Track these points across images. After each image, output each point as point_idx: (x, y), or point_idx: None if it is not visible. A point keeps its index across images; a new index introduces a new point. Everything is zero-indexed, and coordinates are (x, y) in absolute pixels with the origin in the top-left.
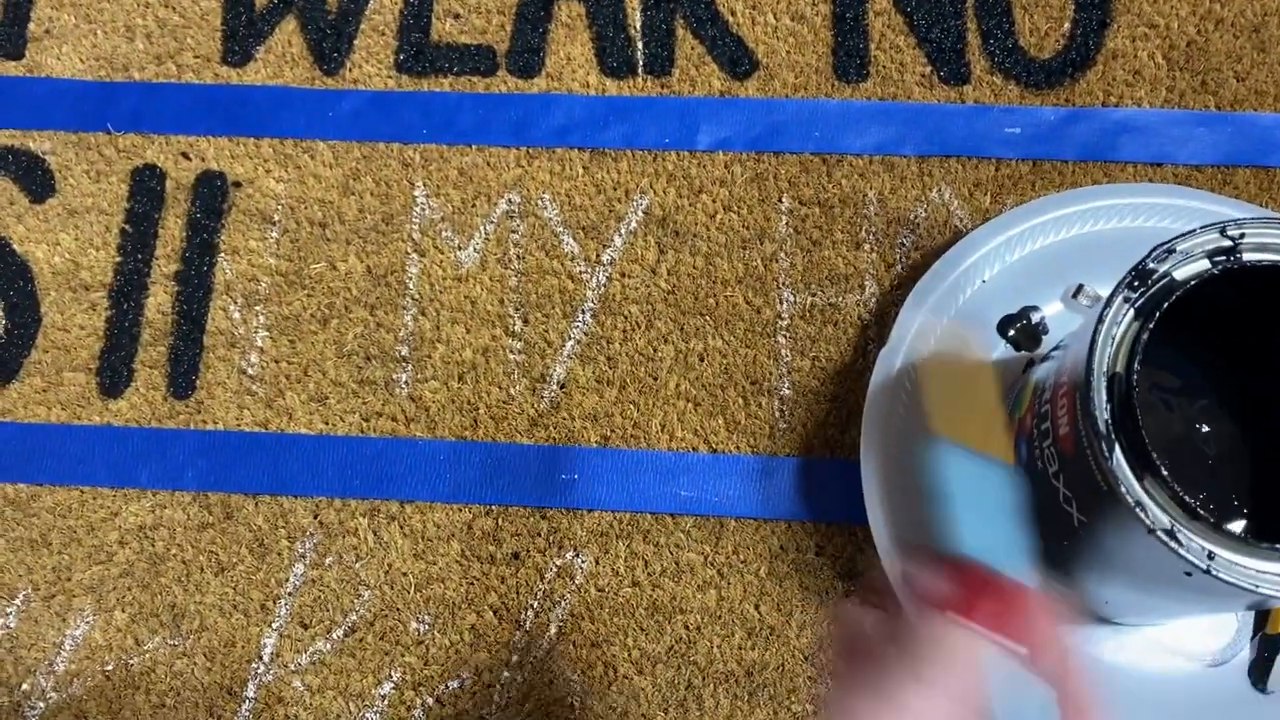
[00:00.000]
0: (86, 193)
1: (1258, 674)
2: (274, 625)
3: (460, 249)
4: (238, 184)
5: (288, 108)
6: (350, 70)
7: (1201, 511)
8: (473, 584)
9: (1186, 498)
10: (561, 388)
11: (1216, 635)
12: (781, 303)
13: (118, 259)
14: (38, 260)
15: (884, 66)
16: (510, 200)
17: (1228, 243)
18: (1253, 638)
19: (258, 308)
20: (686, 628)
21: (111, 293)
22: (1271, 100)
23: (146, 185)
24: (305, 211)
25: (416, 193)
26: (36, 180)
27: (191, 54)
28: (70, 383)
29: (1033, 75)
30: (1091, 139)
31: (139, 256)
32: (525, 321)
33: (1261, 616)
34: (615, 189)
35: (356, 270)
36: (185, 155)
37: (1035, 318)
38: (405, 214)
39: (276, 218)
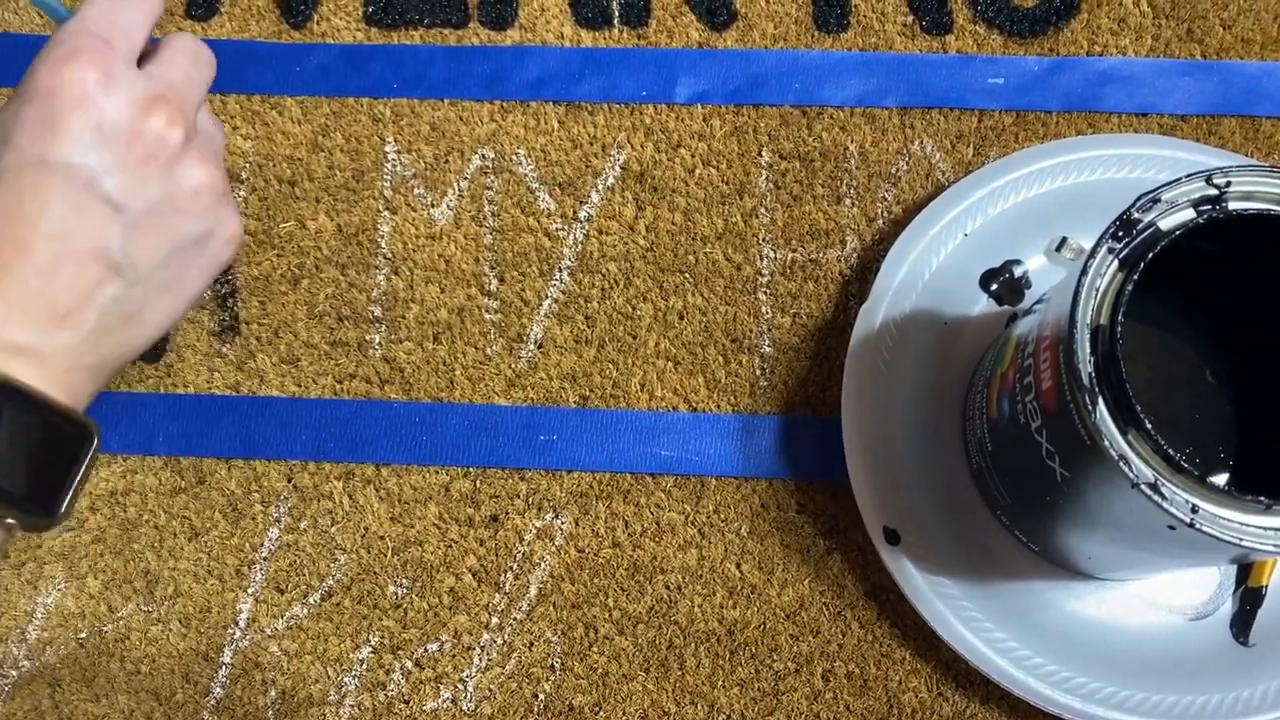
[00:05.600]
0: None
1: (1239, 626)
2: (249, 590)
3: (433, 206)
4: None
5: (254, 63)
6: (318, 23)
7: (1185, 465)
8: (451, 546)
9: (1171, 451)
10: (539, 347)
11: (1199, 589)
12: (762, 259)
13: None
14: None
15: (865, 16)
16: (484, 156)
17: (1213, 191)
18: (1235, 591)
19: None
20: (667, 587)
21: None
22: (1258, 48)
23: None
24: (273, 169)
25: (387, 149)
26: None
27: None
28: None
29: (1016, 24)
30: (1076, 89)
31: None
32: (501, 280)
33: (1243, 570)
34: (592, 143)
35: (327, 229)
36: None
37: (1018, 271)
38: (376, 171)
39: (244, 175)
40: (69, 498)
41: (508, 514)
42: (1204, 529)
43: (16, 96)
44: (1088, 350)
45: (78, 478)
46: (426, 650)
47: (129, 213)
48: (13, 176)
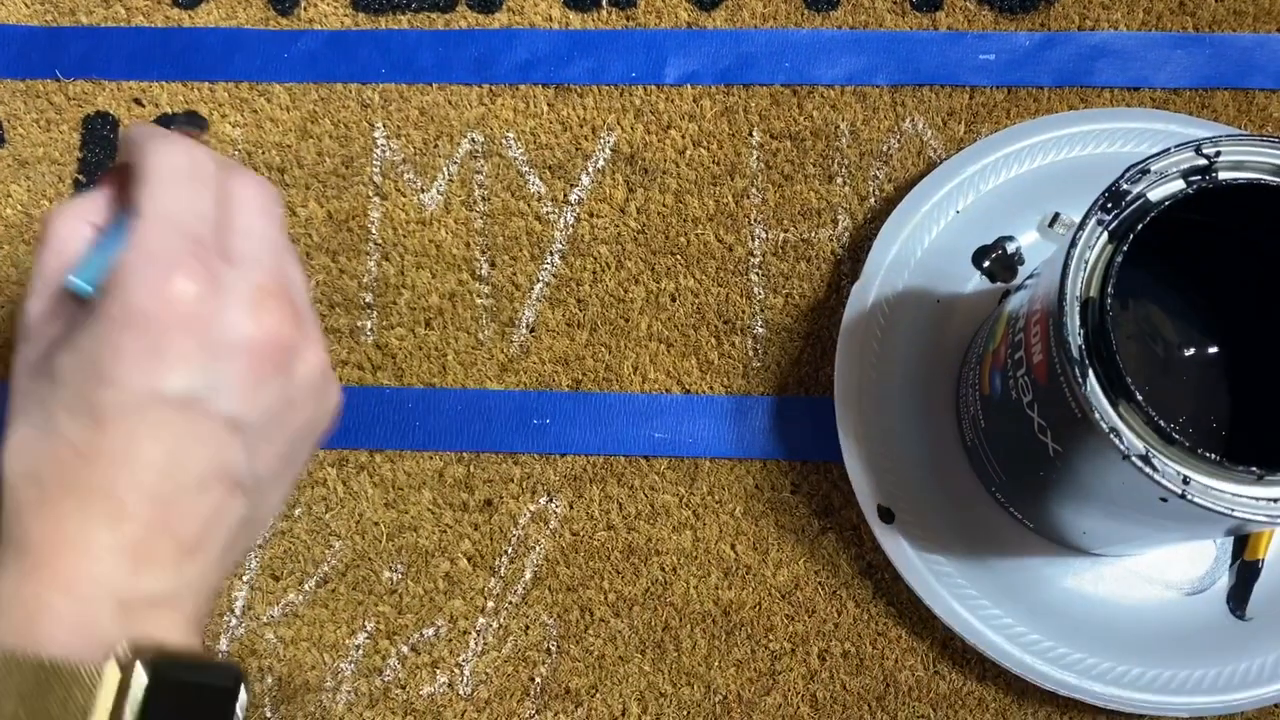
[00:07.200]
0: (37, 142)
1: (1236, 600)
2: (244, 578)
3: (423, 191)
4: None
5: (242, 50)
6: (305, 9)
7: (1177, 436)
8: (445, 531)
9: (1161, 422)
10: (531, 331)
11: (1195, 563)
12: (753, 239)
13: None
14: None
15: None
16: (473, 140)
17: (1203, 161)
18: (1231, 565)
19: None
20: (662, 569)
21: None
22: (1251, 20)
23: (99, 133)
24: (263, 156)
25: (376, 134)
26: None
27: None
28: None
29: None
30: (1067, 64)
31: None
32: (492, 265)
33: (1240, 543)
34: (581, 126)
35: (317, 216)
36: (138, 101)
37: (1011, 248)
38: (365, 156)
39: None
40: None
41: (502, 498)
42: (1195, 501)
43: (103, 321)
44: (1077, 323)
45: None
46: (422, 635)
47: (251, 428)
48: (119, 416)
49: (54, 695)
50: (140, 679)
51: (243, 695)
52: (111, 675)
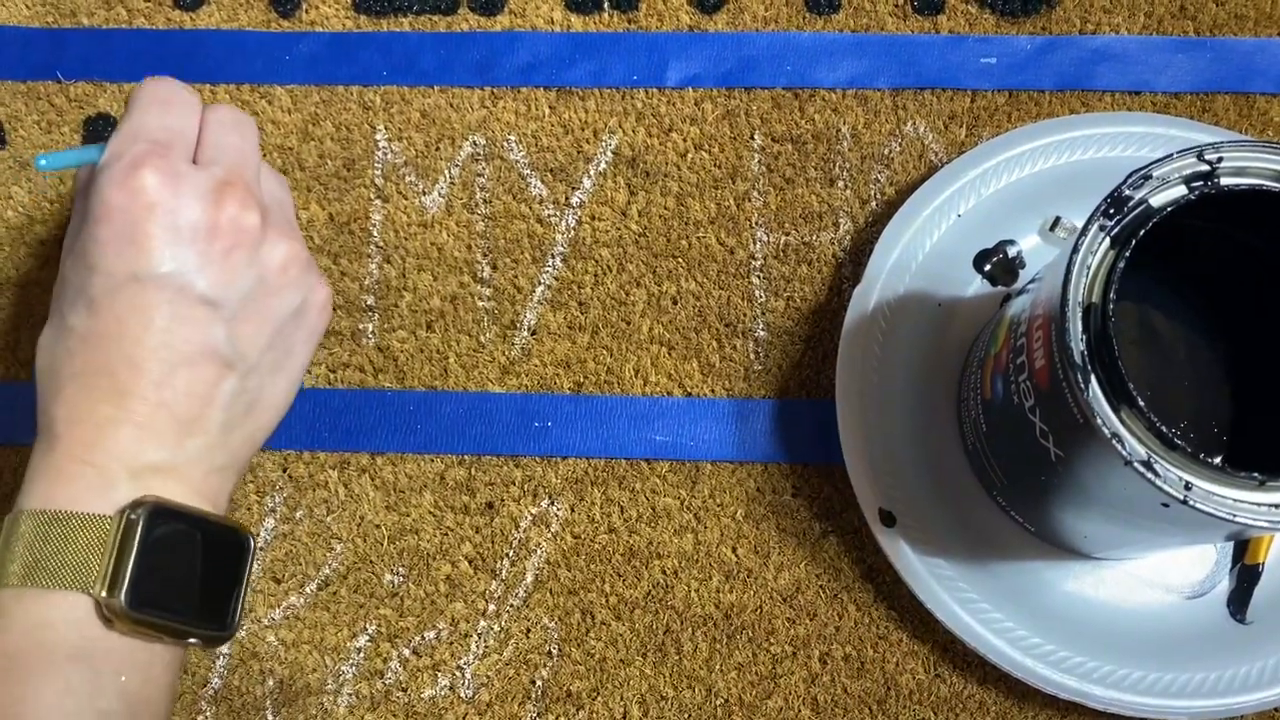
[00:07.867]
0: (38, 144)
1: (1236, 604)
2: None
3: (425, 194)
4: None
5: (243, 52)
6: (307, 12)
7: (1179, 442)
8: (447, 534)
9: (1164, 428)
10: (532, 334)
11: (1196, 567)
12: (755, 243)
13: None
14: None
15: None
16: (475, 142)
17: (1205, 167)
18: (1231, 569)
19: None
20: (664, 572)
21: None
22: (1251, 25)
23: (100, 135)
24: (264, 159)
25: (378, 137)
26: None
27: None
28: (31, 342)
29: (1008, 3)
30: (1068, 68)
31: None
32: (494, 267)
33: (1240, 547)
34: (583, 129)
35: (319, 218)
36: None
37: (1012, 251)
38: (367, 159)
39: None
40: (239, 608)
41: (503, 501)
42: (1197, 506)
43: (85, 219)
44: (1080, 328)
45: (243, 586)
46: (424, 638)
47: (227, 306)
48: (108, 300)
49: (59, 539)
50: (138, 525)
51: (253, 554)
52: (111, 521)
